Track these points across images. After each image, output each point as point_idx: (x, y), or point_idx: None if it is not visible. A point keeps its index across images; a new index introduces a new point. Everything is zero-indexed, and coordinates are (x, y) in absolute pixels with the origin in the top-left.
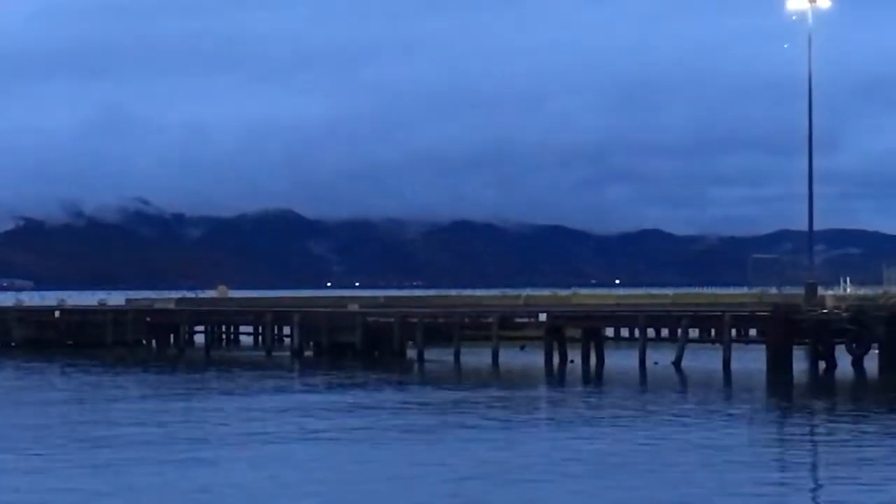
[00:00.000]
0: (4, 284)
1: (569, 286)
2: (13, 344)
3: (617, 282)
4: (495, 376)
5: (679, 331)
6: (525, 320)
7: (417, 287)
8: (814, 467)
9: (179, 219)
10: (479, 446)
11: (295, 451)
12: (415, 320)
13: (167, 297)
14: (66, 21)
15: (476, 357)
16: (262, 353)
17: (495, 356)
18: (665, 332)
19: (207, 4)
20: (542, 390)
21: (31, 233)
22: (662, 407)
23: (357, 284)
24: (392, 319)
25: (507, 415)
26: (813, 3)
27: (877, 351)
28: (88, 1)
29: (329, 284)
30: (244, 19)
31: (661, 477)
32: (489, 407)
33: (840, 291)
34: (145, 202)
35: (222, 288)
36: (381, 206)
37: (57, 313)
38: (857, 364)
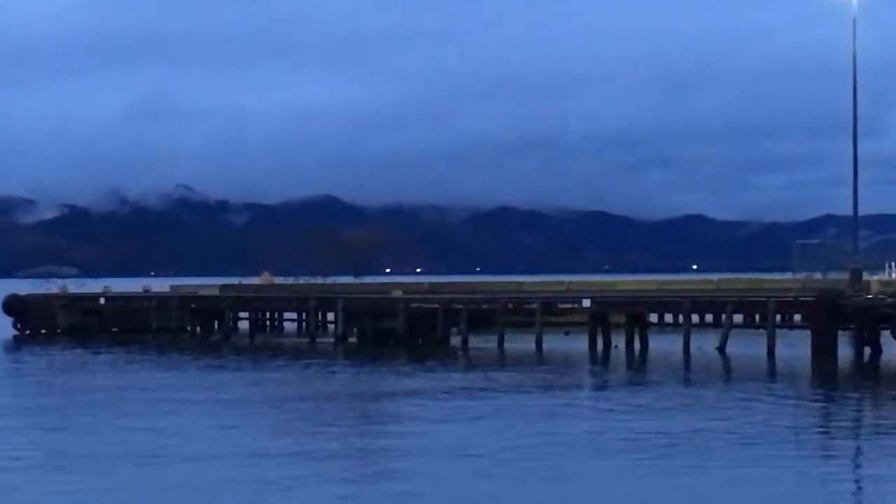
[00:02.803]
0: (51, 272)
1: (611, 272)
2: (58, 331)
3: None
4: (540, 362)
5: (723, 316)
6: (569, 306)
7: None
8: (858, 453)
9: (223, 205)
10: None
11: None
12: (459, 307)
13: (211, 283)
14: (110, 9)
15: (520, 343)
16: (306, 340)
17: (539, 342)
18: (709, 317)
19: None
20: (586, 376)
21: (76, 220)
22: (706, 392)
23: (388, 271)
24: (436, 306)
25: (567, 398)
26: None
27: None
28: None
29: (389, 271)
30: (289, 6)
31: (703, 462)
32: (539, 390)
33: (885, 277)
34: (189, 189)
35: (266, 275)
36: (423, 193)
37: (102, 300)
38: None
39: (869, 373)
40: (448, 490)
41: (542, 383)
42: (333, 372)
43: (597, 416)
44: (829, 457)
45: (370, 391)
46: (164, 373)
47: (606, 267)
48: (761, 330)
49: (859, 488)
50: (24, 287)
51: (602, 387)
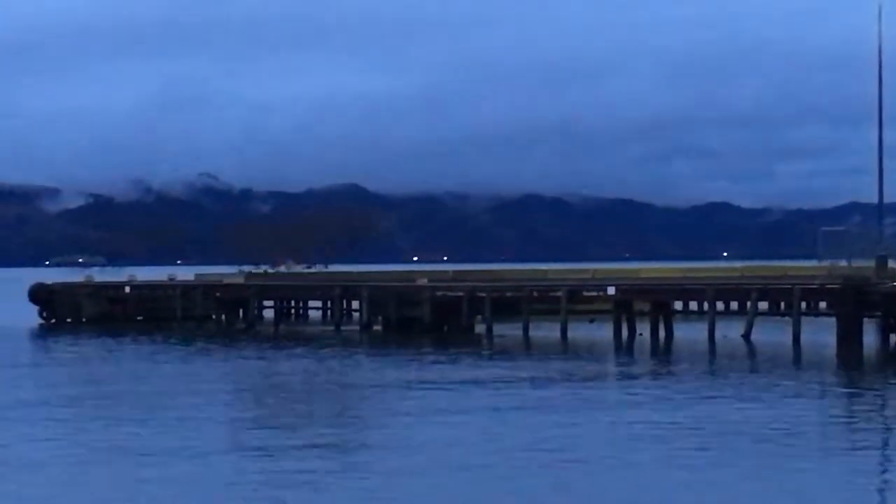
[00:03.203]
0: (77, 261)
1: (636, 260)
2: (84, 319)
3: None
4: (565, 350)
5: (748, 304)
6: (594, 294)
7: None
8: (885, 444)
9: (247, 194)
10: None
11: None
12: (483, 295)
13: (236, 271)
14: None
15: (544, 331)
16: (331, 328)
17: (564, 330)
18: (734, 305)
19: None
20: (612, 365)
21: (101, 209)
22: (732, 380)
23: (416, 259)
24: (461, 294)
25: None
26: None
27: None
28: None
29: (416, 258)
30: None
31: (725, 449)
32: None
33: None
34: (213, 177)
35: (291, 263)
36: (447, 181)
37: (127, 289)
38: None
39: (895, 360)
40: (472, 485)
41: (568, 372)
42: (366, 361)
43: (623, 407)
44: (855, 449)
45: (395, 380)
46: (186, 364)
47: (627, 255)
48: (786, 318)
49: (886, 480)
50: (50, 276)
51: (628, 376)
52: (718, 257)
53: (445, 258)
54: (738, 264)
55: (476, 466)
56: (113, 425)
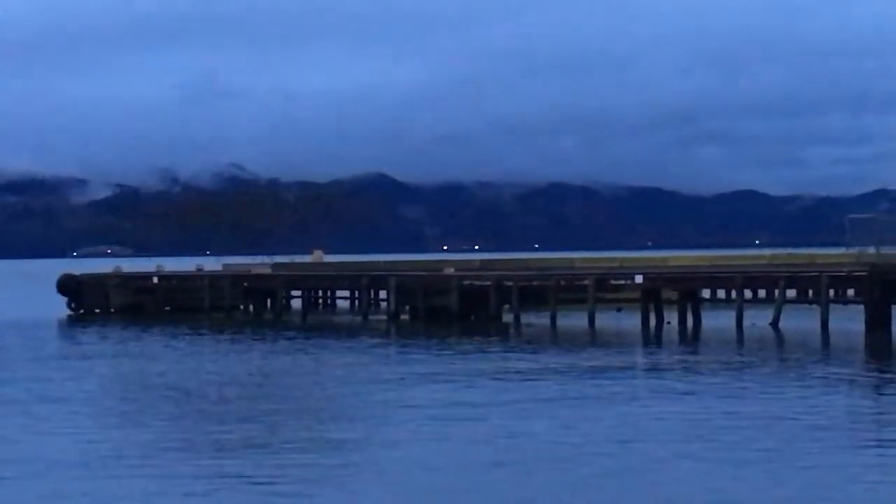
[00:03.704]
0: (105, 251)
1: (664, 248)
2: (112, 310)
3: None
4: (593, 339)
5: (776, 291)
6: (621, 282)
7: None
8: None
9: (274, 184)
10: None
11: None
12: (511, 284)
13: (263, 261)
14: None
15: (572, 320)
16: (359, 318)
17: (591, 319)
18: (762, 292)
19: None
20: (640, 355)
21: (127, 200)
22: (760, 368)
23: (445, 248)
24: (488, 283)
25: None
26: None
27: None
28: None
29: (445, 248)
30: None
31: (751, 440)
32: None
33: None
34: (240, 168)
35: (318, 252)
36: (474, 170)
37: (155, 279)
38: None
39: None
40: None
41: (598, 363)
42: (404, 353)
43: (656, 399)
44: (881, 438)
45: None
46: (215, 363)
47: (649, 243)
48: (814, 305)
49: None
50: (78, 266)
51: (658, 367)
52: (746, 245)
53: (477, 247)
54: (766, 252)
55: (509, 462)
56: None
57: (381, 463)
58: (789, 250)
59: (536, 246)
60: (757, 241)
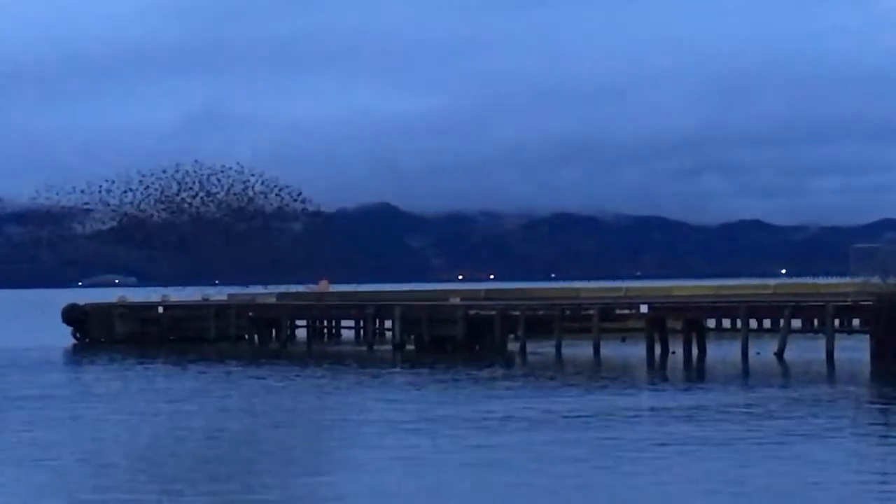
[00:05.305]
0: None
1: (665, 277)
2: (117, 340)
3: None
4: (598, 368)
5: (781, 321)
6: (626, 312)
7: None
8: None
9: (280, 213)
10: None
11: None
12: (516, 313)
13: (268, 291)
14: (165, 19)
15: (577, 349)
16: (364, 347)
17: (596, 348)
18: (767, 322)
19: (304, 2)
20: (645, 384)
21: (133, 229)
22: (765, 399)
23: (461, 278)
24: (493, 312)
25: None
26: None
27: None
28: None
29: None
30: (341, 16)
31: (755, 468)
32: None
33: None
34: (247, 197)
35: (324, 283)
36: (478, 199)
37: (160, 309)
38: None
39: None
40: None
41: (603, 392)
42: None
43: (660, 422)
44: (887, 465)
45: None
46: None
47: (641, 272)
48: (819, 335)
49: None
50: (83, 296)
51: (662, 392)
52: (750, 275)
53: (492, 276)
54: (770, 282)
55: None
56: None
57: None
58: (793, 280)
59: (553, 275)
60: (783, 271)
